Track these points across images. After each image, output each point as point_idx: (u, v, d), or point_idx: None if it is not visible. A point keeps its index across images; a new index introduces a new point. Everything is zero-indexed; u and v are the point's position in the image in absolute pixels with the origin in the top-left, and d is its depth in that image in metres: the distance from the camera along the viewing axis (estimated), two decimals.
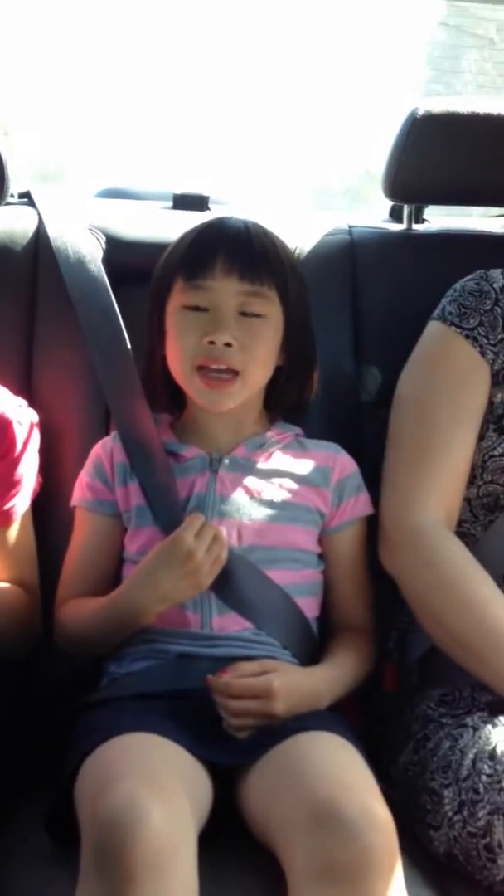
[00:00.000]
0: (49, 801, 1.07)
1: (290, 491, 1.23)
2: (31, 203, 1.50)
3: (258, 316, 1.21)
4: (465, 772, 1.07)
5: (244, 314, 1.20)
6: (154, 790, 0.95)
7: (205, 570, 1.14)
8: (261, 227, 1.25)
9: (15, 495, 1.26)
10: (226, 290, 1.19)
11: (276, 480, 1.24)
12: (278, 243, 1.25)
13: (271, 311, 1.21)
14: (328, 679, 1.17)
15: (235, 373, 1.20)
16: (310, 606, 1.24)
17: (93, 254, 1.39)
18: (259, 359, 1.21)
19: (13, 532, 1.26)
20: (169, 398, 1.28)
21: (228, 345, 1.18)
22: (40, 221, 1.44)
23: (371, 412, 1.39)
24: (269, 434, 1.27)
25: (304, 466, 1.26)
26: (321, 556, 1.26)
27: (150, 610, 1.16)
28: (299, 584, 1.22)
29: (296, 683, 1.12)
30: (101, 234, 1.45)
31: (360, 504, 1.27)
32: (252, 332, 1.20)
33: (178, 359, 1.22)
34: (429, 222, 1.61)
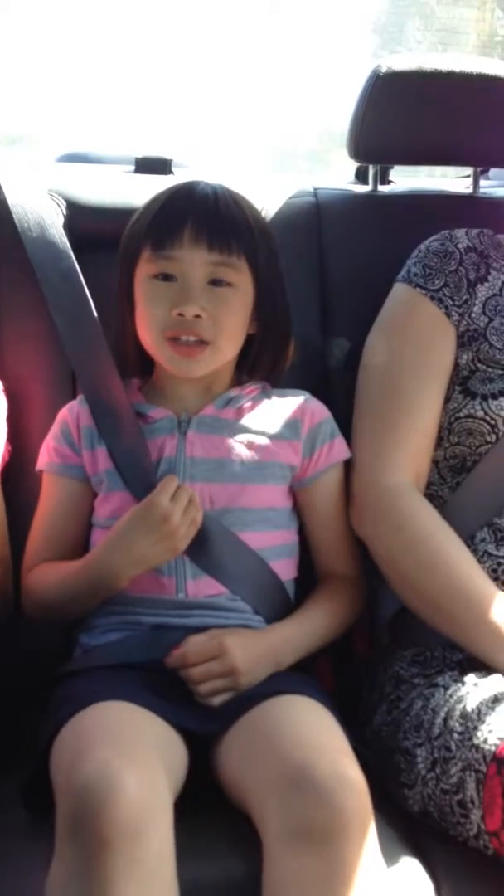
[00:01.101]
0: (25, 773, 1.06)
1: (260, 448, 1.22)
2: None
3: (228, 285, 1.19)
4: (437, 730, 1.08)
5: (213, 283, 1.19)
6: (128, 758, 0.95)
7: (181, 534, 1.14)
8: (229, 193, 1.23)
9: None
10: (194, 260, 1.18)
11: (246, 438, 1.23)
12: (247, 209, 1.24)
13: (241, 280, 1.20)
14: (288, 634, 1.17)
15: (206, 342, 1.19)
16: (285, 569, 1.24)
17: (53, 219, 1.37)
18: (229, 328, 1.20)
19: None
20: (139, 363, 1.27)
21: (198, 316, 1.17)
22: None
23: (339, 377, 1.38)
24: (235, 390, 1.26)
25: (274, 420, 1.25)
26: (294, 512, 1.26)
27: (123, 574, 1.15)
28: (274, 546, 1.22)
29: (250, 640, 1.13)
30: (61, 199, 1.43)
31: (334, 450, 1.26)
32: (222, 302, 1.19)
33: (147, 329, 1.21)
34: (394, 184, 1.60)
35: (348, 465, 1.27)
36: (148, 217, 1.21)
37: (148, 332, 1.21)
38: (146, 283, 1.20)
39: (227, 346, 1.21)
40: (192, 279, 1.18)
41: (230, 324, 1.20)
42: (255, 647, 1.13)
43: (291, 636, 1.17)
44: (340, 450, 1.26)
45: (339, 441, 1.27)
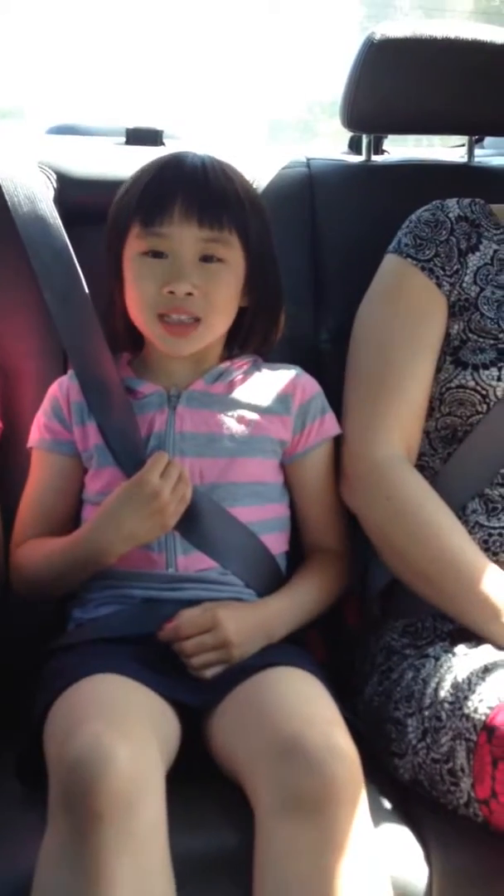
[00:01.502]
0: (19, 745, 1.07)
1: (250, 423, 1.22)
2: None
3: (219, 261, 1.18)
4: (428, 700, 1.08)
5: (204, 259, 1.18)
6: (120, 731, 0.95)
7: (170, 510, 1.14)
8: (219, 165, 1.21)
9: None
10: (185, 236, 1.17)
11: (236, 412, 1.22)
12: (237, 181, 1.22)
13: (232, 256, 1.19)
14: (280, 607, 1.17)
15: (197, 319, 1.18)
16: (276, 542, 1.24)
17: (44, 193, 1.35)
18: (220, 304, 1.19)
19: None
20: (129, 338, 1.26)
21: (189, 294, 1.16)
22: None
23: (331, 348, 1.37)
24: (225, 364, 1.25)
25: (265, 394, 1.24)
26: (285, 486, 1.25)
27: (113, 550, 1.15)
28: (265, 520, 1.22)
29: (242, 613, 1.14)
30: (51, 172, 1.41)
31: (325, 425, 1.25)
32: (213, 278, 1.18)
33: (137, 306, 1.20)
34: (388, 153, 1.58)
35: (338, 439, 1.27)
36: (136, 192, 1.19)
37: (138, 310, 1.20)
38: (136, 260, 1.19)
39: (219, 322, 1.21)
40: (183, 256, 1.17)
41: (221, 300, 1.19)
42: (248, 620, 1.13)
43: (283, 609, 1.18)
44: (331, 426, 1.26)
45: (330, 417, 1.26)
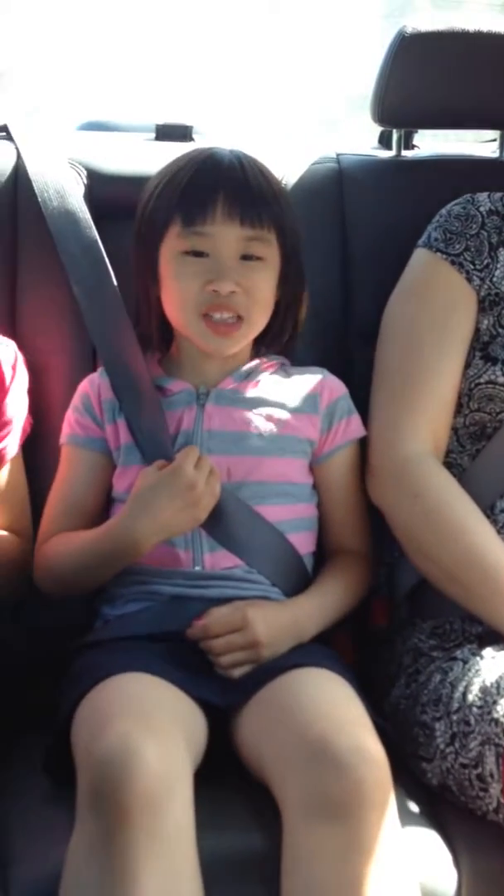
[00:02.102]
0: (47, 742, 1.07)
1: (279, 422, 1.22)
2: (9, 138, 1.45)
3: (258, 259, 1.18)
4: (456, 704, 1.08)
5: (245, 258, 1.18)
6: (148, 730, 0.96)
7: (203, 503, 1.14)
8: (255, 163, 1.22)
9: (5, 437, 1.25)
10: (227, 235, 1.17)
11: (265, 411, 1.22)
12: (271, 178, 1.22)
13: (270, 253, 1.20)
14: (309, 608, 1.17)
15: (240, 318, 1.18)
16: (304, 542, 1.23)
17: (74, 189, 1.36)
18: (261, 302, 1.19)
19: (4, 474, 1.25)
20: (160, 336, 1.26)
21: (232, 292, 1.16)
22: (18, 157, 1.40)
23: (361, 344, 1.36)
24: (254, 363, 1.25)
25: (292, 394, 1.24)
26: (314, 487, 1.25)
27: (146, 541, 1.14)
28: (292, 519, 1.22)
29: (272, 612, 1.13)
30: (81, 168, 1.41)
31: (351, 426, 1.25)
32: (254, 275, 1.18)
33: (179, 306, 1.20)
34: (419, 148, 1.57)
35: (363, 438, 1.26)
36: (175, 191, 1.19)
37: (180, 309, 1.20)
38: (176, 259, 1.19)
39: (259, 320, 1.21)
40: (226, 255, 1.17)
41: (262, 297, 1.19)
42: (278, 620, 1.13)
43: (313, 609, 1.17)
44: (357, 427, 1.25)
45: (356, 419, 1.26)
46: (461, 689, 1.08)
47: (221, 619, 1.11)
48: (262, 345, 1.28)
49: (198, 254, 1.18)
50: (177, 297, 1.19)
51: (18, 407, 1.27)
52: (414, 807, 1.07)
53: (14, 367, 1.27)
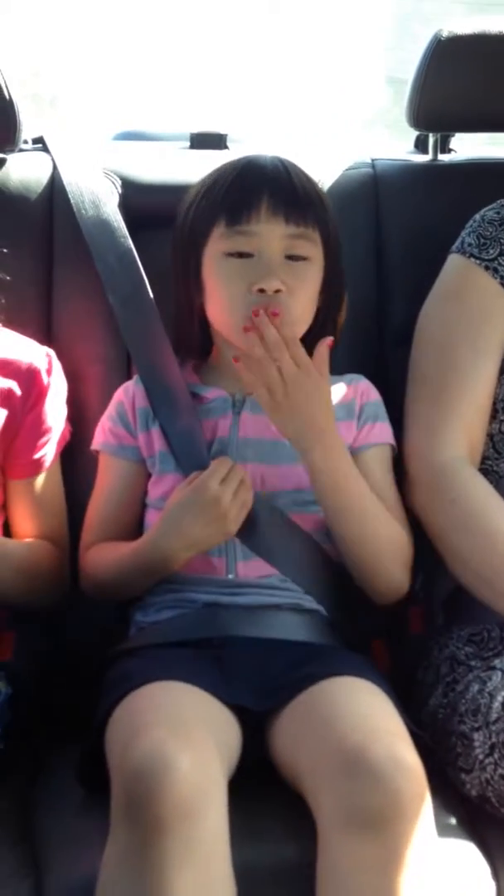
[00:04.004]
0: (81, 750, 1.07)
1: None
2: (45, 149, 1.47)
3: (303, 259, 1.18)
4: (495, 715, 1.06)
5: (290, 258, 1.17)
6: (182, 738, 0.95)
7: (231, 516, 1.13)
8: (296, 166, 1.22)
9: (45, 444, 1.26)
10: (272, 234, 1.16)
11: None
12: (313, 181, 1.23)
13: (315, 253, 1.19)
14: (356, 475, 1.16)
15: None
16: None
17: (108, 198, 1.37)
18: (305, 302, 1.19)
19: (42, 482, 1.26)
20: (199, 343, 1.26)
21: (278, 290, 1.15)
22: (55, 167, 1.41)
23: (396, 348, 1.36)
24: None
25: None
26: None
27: (176, 557, 1.15)
28: (328, 528, 1.21)
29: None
30: (116, 177, 1.42)
31: (375, 431, 1.23)
32: (298, 275, 1.17)
33: (225, 308, 1.19)
34: (455, 152, 1.56)
35: (401, 444, 1.25)
36: (219, 193, 1.19)
37: (227, 312, 1.19)
38: (220, 261, 1.18)
39: (303, 322, 1.20)
40: (271, 253, 1.16)
41: (307, 298, 1.19)
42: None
43: (351, 475, 1.16)
44: (380, 433, 1.24)
45: (382, 425, 1.24)
46: (500, 698, 1.06)
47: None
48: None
49: (242, 255, 1.17)
50: (222, 299, 1.19)
51: (57, 415, 1.28)
52: (451, 818, 1.05)
53: (53, 376, 1.28)
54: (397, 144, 1.63)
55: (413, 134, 1.57)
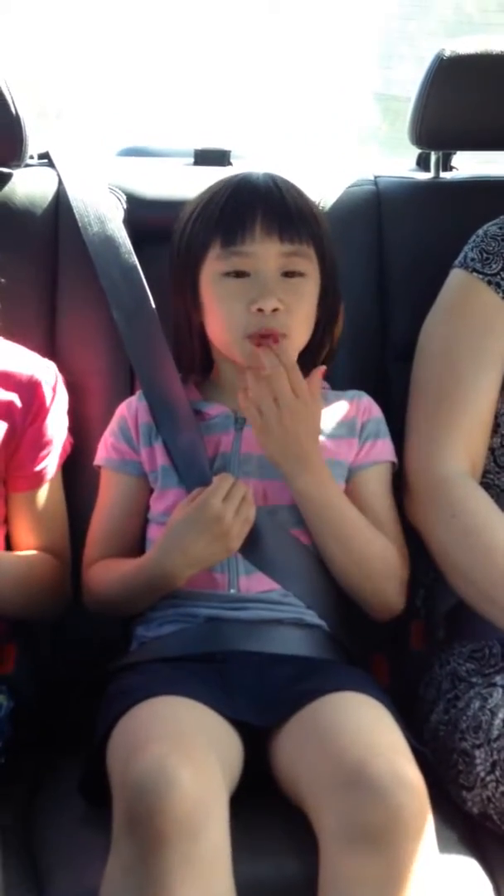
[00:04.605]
0: (83, 763, 1.07)
1: None
2: (51, 164, 1.48)
3: (300, 275, 1.19)
4: (496, 732, 1.06)
5: (286, 275, 1.18)
6: (184, 753, 0.95)
7: (234, 533, 1.14)
8: (288, 182, 1.23)
9: (46, 457, 1.26)
10: (267, 253, 1.17)
11: None
12: (306, 197, 1.23)
13: (310, 268, 1.20)
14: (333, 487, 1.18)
15: (284, 336, 1.18)
16: None
17: (113, 214, 1.37)
18: (303, 318, 1.20)
19: (43, 494, 1.26)
20: (201, 360, 1.27)
21: (276, 309, 1.16)
22: (60, 183, 1.42)
23: (398, 363, 1.36)
24: None
25: (330, 419, 1.24)
26: None
27: (180, 575, 1.15)
28: None
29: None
30: (121, 193, 1.43)
31: (376, 449, 1.24)
32: (295, 292, 1.18)
33: (223, 328, 1.20)
34: (457, 170, 1.57)
35: (400, 458, 1.25)
36: (212, 213, 1.20)
37: (225, 332, 1.20)
38: (217, 282, 1.19)
39: (303, 337, 1.21)
40: (267, 273, 1.17)
41: (304, 314, 1.20)
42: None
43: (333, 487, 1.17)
44: (382, 450, 1.24)
45: (383, 442, 1.25)
46: (501, 716, 1.06)
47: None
48: (301, 364, 1.28)
49: (239, 274, 1.18)
50: (221, 319, 1.20)
51: (58, 427, 1.28)
52: (453, 835, 1.05)
53: (54, 389, 1.28)
54: (386, 161, 1.63)
55: (403, 150, 1.58)
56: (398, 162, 1.62)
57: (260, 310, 1.16)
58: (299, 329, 1.19)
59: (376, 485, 1.23)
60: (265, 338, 1.17)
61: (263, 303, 1.16)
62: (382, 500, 1.23)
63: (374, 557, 1.18)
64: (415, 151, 1.55)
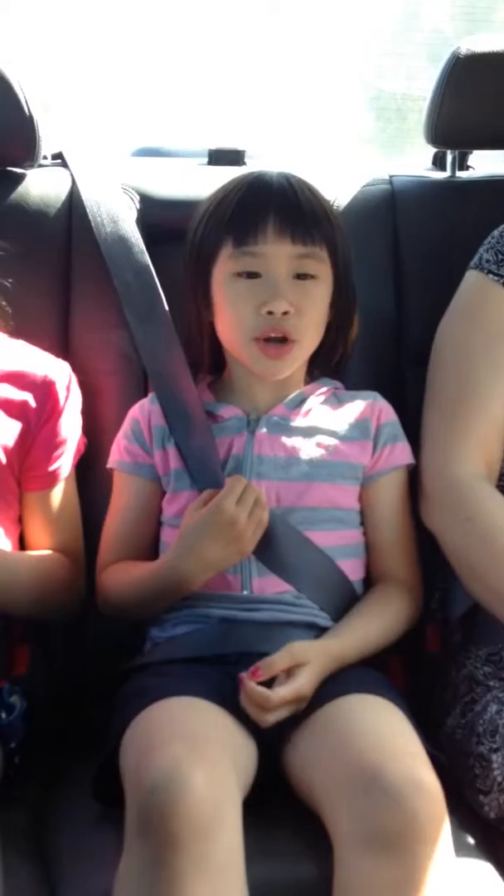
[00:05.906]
0: (96, 764, 1.07)
1: (329, 448, 1.21)
2: (65, 164, 1.48)
3: (312, 277, 1.18)
4: None
5: (298, 277, 1.17)
6: (197, 755, 0.95)
7: (248, 536, 1.13)
8: (303, 182, 1.22)
9: (59, 456, 1.26)
10: (279, 254, 1.17)
11: (315, 438, 1.21)
12: (321, 197, 1.22)
13: (323, 270, 1.19)
14: (353, 640, 1.13)
15: (293, 340, 1.18)
16: (353, 568, 1.21)
17: (126, 214, 1.37)
18: (315, 321, 1.19)
19: (57, 494, 1.26)
20: (212, 361, 1.26)
21: (286, 312, 1.16)
22: (73, 183, 1.42)
23: (413, 365, 1.35)
24: (307, 390, 1.25)
25: (343, 421, 1.23)
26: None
27: (194, 579, 1.15)
28: (342, 545, 1.20)
29: (324, 664, 1.09)
30: (134, 193, 1.43)
31: (395, 453, 1.23)
32: (307, 294, 1.18)
33: (233, 329, 1.19)
34: (473, 169, 1.56)
35: (416, 462, 1.24)
36: (225, 212, 1.19)
37: (235, 333, 1.19)
38: (229, 282, 1.19)
39: (313, 340, 1.21)
40: (278, 274, 1.16)
41: (315, 316, 1.19)
42: (328, 667, 1.09)
43: (357, 642, 1.14)
44: (401, 454, 1.24)
45: (402, 446, 1.24)
46: None
47: (283, 696, 1.04)
48: (314, 367, 1.27)
49: (251, 275, 1.17)
50: (231, 320, 1.19)
51: (72, 428, 1.28)
52: (469, 839, 1.04)
53: (68, 389, 1.28)
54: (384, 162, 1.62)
55: (401, 152, 1.57)
56: (396, 161, 1.61)
57: (270, 312, 1.15)
58: (309, 333, 1.19)
59: (394, 490, 1.23)
60: (276, 349, 1.16)
61: (273, 306, 1.15)
62: (398, 506, 1.23)
63: (392, 637, 1.17)
64: (409, 151, 1.54)
